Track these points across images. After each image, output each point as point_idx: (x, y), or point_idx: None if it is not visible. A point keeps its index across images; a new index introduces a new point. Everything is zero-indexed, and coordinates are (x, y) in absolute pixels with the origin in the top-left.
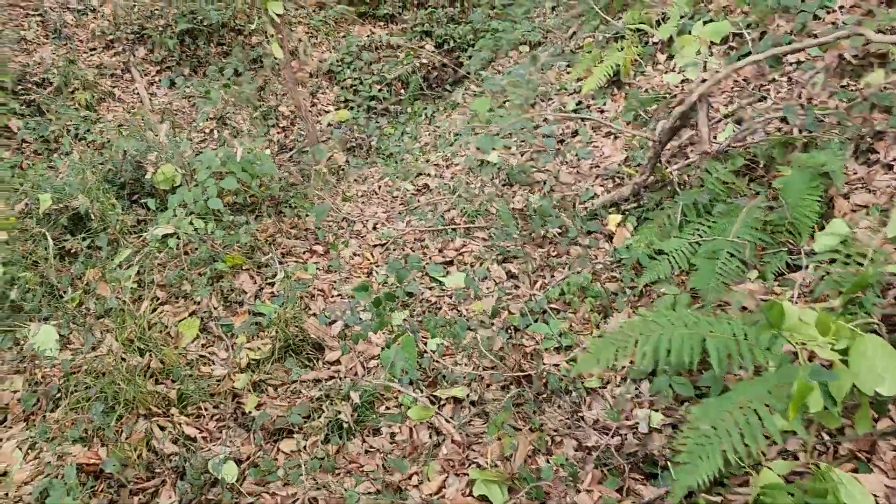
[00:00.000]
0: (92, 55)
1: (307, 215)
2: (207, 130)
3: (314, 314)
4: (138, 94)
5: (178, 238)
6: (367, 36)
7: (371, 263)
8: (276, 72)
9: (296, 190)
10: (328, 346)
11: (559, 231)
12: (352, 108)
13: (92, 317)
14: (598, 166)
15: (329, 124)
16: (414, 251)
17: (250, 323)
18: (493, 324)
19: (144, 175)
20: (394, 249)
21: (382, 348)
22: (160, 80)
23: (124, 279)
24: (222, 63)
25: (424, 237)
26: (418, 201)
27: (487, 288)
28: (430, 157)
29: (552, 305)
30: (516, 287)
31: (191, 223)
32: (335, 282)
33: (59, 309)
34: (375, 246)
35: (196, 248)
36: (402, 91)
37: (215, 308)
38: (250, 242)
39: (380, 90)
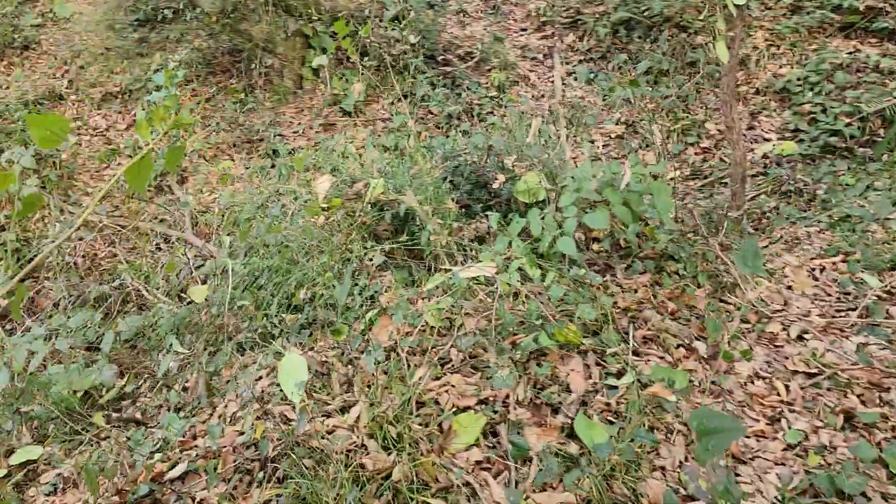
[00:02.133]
0: (520, 36)
1: (699, 286)
2: (614, 136)
3: (661, 468)
4: (553, 82)
5: (491, 285)
6: (849, 53)
7: (782, 403)
8: (712, 81)
9: (688, 243)
10: None
11: None
12: (801, 141)
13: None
14: None
15: (764, 156)
16: (866, 405)
17: (552, 452)
18: None
19: (486, 184)
20: (828, 390)
21: None
22: (580, 71)
23: (429, 312)
24: (651, 61)
25: (891, 387)
26: (886, 312)
27: None
28: None
29: None
30: None
31: (520, 269)
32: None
33: (329, 336)
34: (797, 373)
35: (524, 302)
36: (882, 131)
37: (518, 404)
38: (603, 313)
39: (848, 125)
